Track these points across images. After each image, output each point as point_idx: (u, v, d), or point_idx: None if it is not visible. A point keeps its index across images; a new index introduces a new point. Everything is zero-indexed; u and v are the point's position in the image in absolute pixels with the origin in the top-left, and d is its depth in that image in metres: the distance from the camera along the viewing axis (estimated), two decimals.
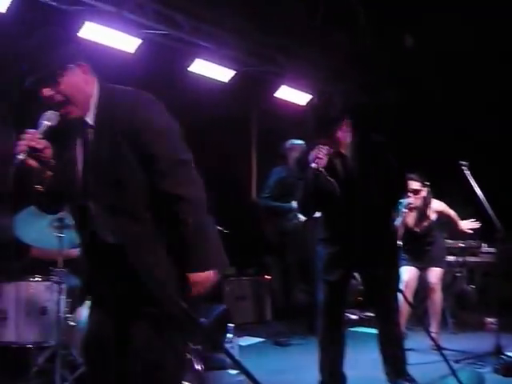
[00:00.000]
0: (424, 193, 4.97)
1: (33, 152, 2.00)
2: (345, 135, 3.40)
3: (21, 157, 1.98)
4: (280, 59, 6.94)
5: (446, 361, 3.32)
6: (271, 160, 6.57)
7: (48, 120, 2.07)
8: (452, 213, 5.18)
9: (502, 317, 4.73)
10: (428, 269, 5.08)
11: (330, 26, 7.22)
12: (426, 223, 5.03)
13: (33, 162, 2.02)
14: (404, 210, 4.76)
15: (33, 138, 2.02)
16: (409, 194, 4.83)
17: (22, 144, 2.00)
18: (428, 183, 5.01)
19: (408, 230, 4.94)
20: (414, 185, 4.91)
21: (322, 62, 7.34)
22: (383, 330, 3.60)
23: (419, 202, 4.95)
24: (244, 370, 2.05)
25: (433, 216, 5.05)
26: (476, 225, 5.23)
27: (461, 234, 5.45)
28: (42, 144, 2.03)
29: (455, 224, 5.18)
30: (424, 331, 3.95)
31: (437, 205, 5.10)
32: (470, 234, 5.38)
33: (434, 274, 5.07)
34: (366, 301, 4.06)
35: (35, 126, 2.07)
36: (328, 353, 3.51)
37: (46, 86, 2.07)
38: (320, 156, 3.22)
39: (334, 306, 3.52)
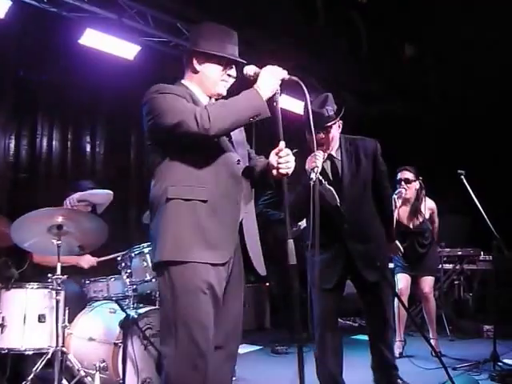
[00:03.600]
0: (417, 185, 4.94)
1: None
2: (337, 135, 3.41)
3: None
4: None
5: (445, 367, 3.31)
6: None
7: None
8: (436, 222, 5.20)
9: (499, 324, 4.75)
10: (421, 277, 5.08)
11: (329, 35, 7.25)
12: (419, 220, 4.99)
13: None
14: (395, 196, 4.69)
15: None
16: (402, 183, 4.86)
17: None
18: (421, 178, 4.98)
19: (400, 228, 4.81)
20: (407, 174, 4.91)
21: (321, 71, 7.36)
22: (375, 337, 3.56)
23: (412, 195, 4.93)
24: None
25: (426, 213, 5.02)
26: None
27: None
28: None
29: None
30: (423, 338, 3.95)
31: (430, 203, 5.08)
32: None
33: (427, 282, 5.06)
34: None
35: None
36: (326, 362, 3.45)
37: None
38: (317, 164, 3.16)
39: (332, 315, 3.49)
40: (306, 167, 3.19)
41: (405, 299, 4.96)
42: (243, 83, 2.40)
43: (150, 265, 3.73)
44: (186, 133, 2.21)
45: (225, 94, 2.49)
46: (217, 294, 2.30)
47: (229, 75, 2.46)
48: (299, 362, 2.12)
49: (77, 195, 4.37)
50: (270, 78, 2.33)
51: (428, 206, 5.04)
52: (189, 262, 2.21)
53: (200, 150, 2.28)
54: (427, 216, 5.05)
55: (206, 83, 2.45)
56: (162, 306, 2.35)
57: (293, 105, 7.23)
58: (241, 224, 2.40)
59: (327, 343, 3.45)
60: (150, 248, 3.85)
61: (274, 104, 2.35)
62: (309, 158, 3.20)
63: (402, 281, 5.01)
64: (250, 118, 2.28)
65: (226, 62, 2.44)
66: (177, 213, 2.25)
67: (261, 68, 2.38)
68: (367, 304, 3.59)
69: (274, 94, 2.35)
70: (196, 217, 2.26)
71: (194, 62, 2.44)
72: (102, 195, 4.53)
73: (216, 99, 2.50)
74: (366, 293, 3.54)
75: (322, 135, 3.31)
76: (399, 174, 4.95)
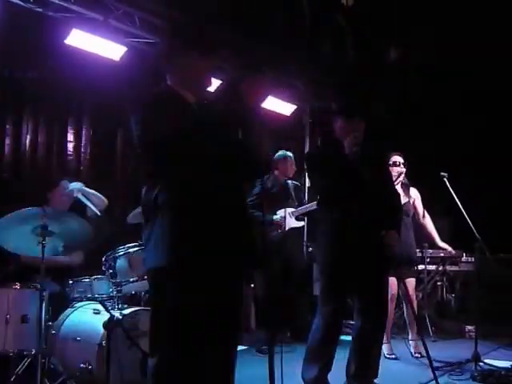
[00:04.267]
0: (404, 170, 5.10)
1: None
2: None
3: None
4: (265, 70, 6.96)
5: (432, 368, 3.34)
6: None
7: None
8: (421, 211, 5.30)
9: (481, 325, 4.82)
10: (404, 279, 5.08)
11: (315, 38, 7.29)
12: (406, 199, 5.06)
13: None
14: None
15: None
16: (399, 164, 5.02)
17: None
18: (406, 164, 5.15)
19: None
20: (399, 158, 5.08)
21: (308, 73, 7.40)
22: (370, 338, 3.46)
23: (401, 177, 5.09)
24: None
25: (411, 199, 5.16)
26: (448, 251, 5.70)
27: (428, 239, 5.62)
28: None
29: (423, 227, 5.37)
30: (421, 340, 3.98)
31: (414, 191, 5.26)
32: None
33: (411, 284, 5.07)
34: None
35: None
36: (318, 364, 3.38)
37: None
38: (357, 142, 3.31)
39: (343, 315, 3.45)
40: (345, 146, 3.39)
41: (393, 304, 4.98)
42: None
43: (135, 266, 3.75)
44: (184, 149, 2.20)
45: (210, 85, 2.49)
46: (214, 296, 2.30)
47: (212, 65, 2.50)
48: (270, 363, 2.31)
49: (78, 185, 4.27)
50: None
51: (413, 192, 5.22)
52: (185, 266, 2.20)
53: (198, 157, 2.25)
54: (411, 201, 5.19)
55: (195, 80, 2.43)
56: (155, 309, 2.34)
57: (280, 107, 7.29)
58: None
59: (329, 345, 3.37)
60: (134, 248, 3.86)
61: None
62: (348, 138, 3.39)
63: (390, 285, 5.01)
64: None
65: (208, 53, 2.44)
66: (175, 218, 2.23)
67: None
68: (368, 300, 3.46)
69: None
70: (195, 221, 2.23)
71: (179, 61, 2.41)
72: (99, 199, 4.43)
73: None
74: (369, 288, 3.42)
75: (357, 122, 3.47)
76: (391, 158, 5.10)
